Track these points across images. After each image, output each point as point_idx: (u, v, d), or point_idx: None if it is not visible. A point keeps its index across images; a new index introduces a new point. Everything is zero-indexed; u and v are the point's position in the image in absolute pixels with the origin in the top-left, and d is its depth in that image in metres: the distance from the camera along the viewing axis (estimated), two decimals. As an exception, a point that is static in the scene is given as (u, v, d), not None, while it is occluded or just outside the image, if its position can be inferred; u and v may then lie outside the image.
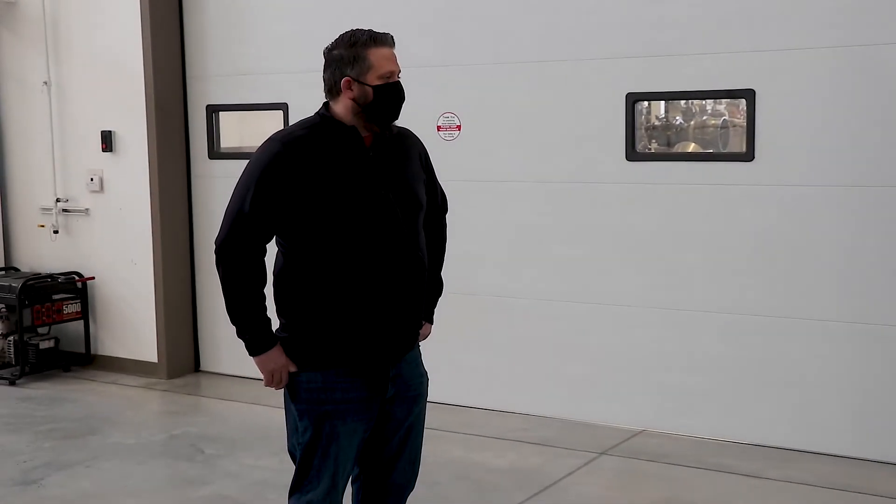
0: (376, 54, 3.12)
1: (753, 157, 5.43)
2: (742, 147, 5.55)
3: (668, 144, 6.10)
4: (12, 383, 7.17)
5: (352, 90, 3.12)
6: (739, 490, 4.99)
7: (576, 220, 5.96)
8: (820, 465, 5.25)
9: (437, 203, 3.49)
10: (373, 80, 3.11)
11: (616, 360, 5.92)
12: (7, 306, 7.37)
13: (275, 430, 5.60)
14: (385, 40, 3.15)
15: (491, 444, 5.71)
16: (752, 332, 5.53)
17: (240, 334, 3.19)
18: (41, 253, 7.74)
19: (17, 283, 7.20)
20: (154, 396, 6.97)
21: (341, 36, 3.18)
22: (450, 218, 3.60)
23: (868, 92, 5.15)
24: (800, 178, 5.35)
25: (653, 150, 5.97)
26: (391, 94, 3.15)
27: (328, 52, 3.19)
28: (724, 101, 5.85)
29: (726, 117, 5.99)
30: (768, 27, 5.36)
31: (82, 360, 7.56)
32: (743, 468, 5.23)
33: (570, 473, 5.22)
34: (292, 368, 3.18)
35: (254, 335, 3.16)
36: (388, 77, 3.13)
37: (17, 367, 7.28)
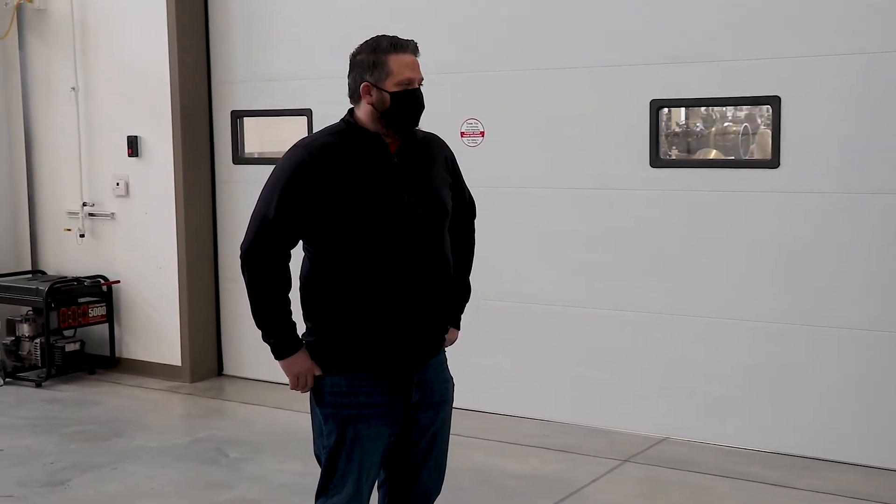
0: (396, 61, 3.12)
1: (779, 164, 5.41)
2: (766, 154, 5.54)
3: (689, 151, 6.10)
4: (38, 385, 7.24)
5: (370, 95, 3.13)
6: (765, 499, 4.96)
7: (599, 226, 5.96)
8: (845, 475, 5.22)
9: (465, 207, 3.49)
10: (391, 86, 3.12)
11: (638, 366, 5.91)
12: (34, 309, 7.44)
13: (298, 435, 5.62)
14: (407, 47, 3.15)
15: (513, 450, 5.71)
16: (775, 339, 5.51)
17: (265, 338, 3.21)
18: (67, 256, 7.81)
19: (43, 287, 7.27)
20: (178, 400, 7.02)
21: (366, 41, 3.20)
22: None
23: (894, 98, 5.12)
24: (825, 185, 5.32)
25: (673, 157, 5.95)
26: (408, 102, 3.15)
27: (353, 57, 3.21)
28: (745, 107, 5.84)
29: (747, 124, 5.98)
30: (794, 33, 5.34)
31: (107, 363, 7.62)
32: (768, 477, 5.21)
33: (593, 481, 5.21)
34: (317, 372, 3.20)
35: (279, 339, 3.18)
36: (407, 84, 3.13)
37: (44, 370, 7.34)
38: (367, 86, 3.13)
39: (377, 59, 3.12)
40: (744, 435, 5.62)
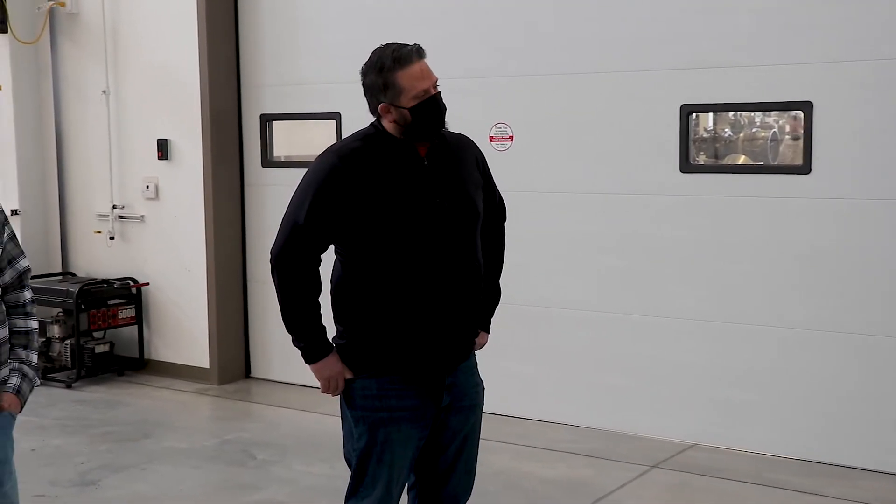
0: (405, 76, 3.08)
1: (811, 170, 5.37)
2: (797, 159, 5.50)
3: (717, 157, 6.06)
4: (69, 386, 7.29)
5: (391, 114, 3.13)
6: (795, 506, 4.94)
7: (628, 231, 5.94)
8: (877, 482, 5.18)
9: (495, 208, 3.48)
10: (407, 102, 3.10)
11: (667, 372, 5.88)
12: (64, 311, 7.50)
13: (326, 437, 5.64)
14: (410, 59, 3.09)
15: (541, 454, 5.70)
16: (804, 345, 5.47)
17: (296, 342, 3.22)
18: (97, 259, 7.87)
19: (74, 288, 7.33)
20: (206, 402, 7.05)
21: (370, 58, 3.15)
22: (501, 228, 3.60)
23: (928, 104, 5.08)
24: (857, 191, 5.28)
25: (702, 163, 5.92)
26: (429, 110, 3.13)
27: (363, 77, 3.17)
28: (773, 113, 5.80)
29: (776, 129, 5.94)
30: (825, 38, 5.30)
31: (136, 365, 7.67)
32: (798, 484, 5.17)
33: (621, 486, 5.19)
34: (348, 375, 3.21)
35: (309, 343, 3.19)
36: (423, 95, 3.10)
37: (74, 371, 7.40)
38: (385, 106, 3.13)
39: (386, 80, 3.09)
40: (773, 441, 5.58)
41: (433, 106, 3.13)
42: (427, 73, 3.13)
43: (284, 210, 3.21)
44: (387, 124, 3.17)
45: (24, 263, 3.19)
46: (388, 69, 3.09)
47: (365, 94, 3.19)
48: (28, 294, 3.21)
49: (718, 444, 5.73)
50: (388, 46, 3.14)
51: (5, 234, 3.09)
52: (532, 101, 6.20)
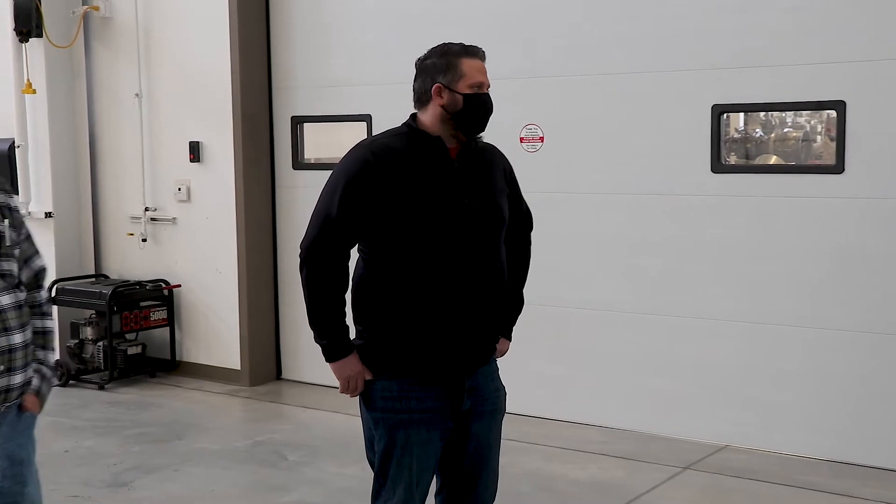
0: (468, 64, 3.17)
1: (843, 170, 5.32)
2: (830, 159, 5.45)
3: (748, 157, 6.02)
4: (101, 388, 7.35)
5: (442, 97, 3.15)
6: (828, 509, 4.89)
7: (660, 232, 5.91)
8: (912, 486, 5.12)
9: (522, 218, 3.48)
10: (463, 88, 3.15)
11: (699, 373, 5.84)
12: (97, 312, 7.57)
13: (357, 439, 5.59)
14: (477, 53, 3.21)
15: (572, 456, 5.68)
16: (838, 346, 5.41)
17: (318, 339, 3.21)
18: (130, 261, 7.93)
19: (106, 290, 7.39)
20: (237, 403, 7.09)
21: (434, 47, 3.24)
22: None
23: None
24: (890, 191, 5.23)
25: (733, 163, 5.88)
26: (480, 104, 3.18)
27: (420, 63, 3.23)
28: (804, 113, 5.75)
29: (808, 129, 5.89)
30: (858, 37, 5.25)
31: (168, 367, 7.72)
32: (832, 486, 5.12)
33: (653, 488, 5.16)
34: (368, 376, 3.20)
35: (332, 340, 3.18)
36: (478, 88, 3.17)
37: (106, 372, 7.46)
38: (440, 87, 3.15)
39: (449, 62, 3.16)
40: (806, 443, 5.53)
41: (484, 101, 3.20)
42: (486, 73, 3.23)
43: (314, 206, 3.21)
44: (430, 113, 3.18)
45: (39, 263, 3.21)
46: (454, 53, 3.18)
47: (416, 80, 3.23)
48: (44, 294, 3.25)
49: (751, 446, 5.68)
50: (453, 42, 3.24)
51: (22, 234, 3.11)
52: (562, 103, 6.19)
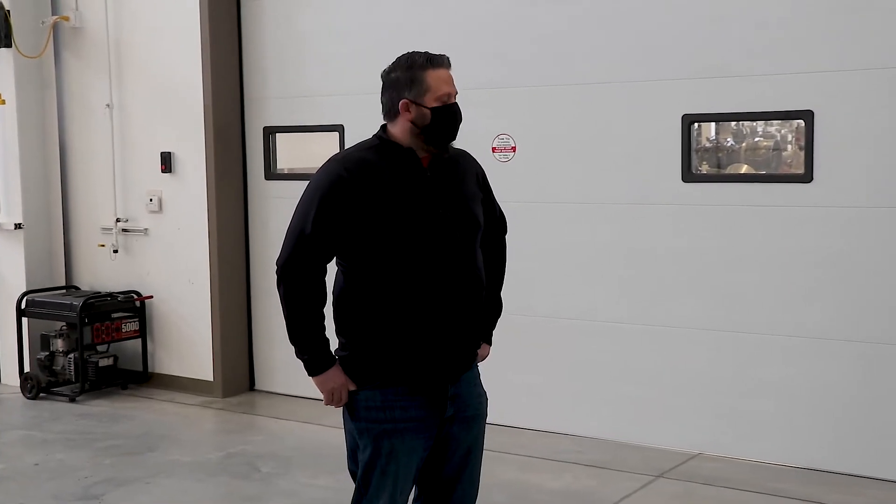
0: (433, 76, 3.16)
1: (812, 179, 5.38)
2: (799, 168, 5.51)
3: (719, 166, 6.07)
4: (72, 400, 7.29)
5: (410, 112, 3.16)
6: (799, 515, 4.93)
7: (631, 241, 5.94)
8: (881, 491, 5.17)
9: (496, 223, 3.51)
10: (430, 101, 3.15)
11: (672, 382, 5.88)
12: (68, 324, 7.51)
13: (330, 450, 5.65)
14: (442, 62, 3.20)
15: (546, 465, 5.69)
16: (809, 354, 5.46)
17: (299, 354, 3.22)
18: (101, 272, 7.88)
19: (77, 302, 7.33)
20: (210, 415, 7.05)
21: (398, 59, 3.22)
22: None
23: (930, 113, 5.09)
24: (859, 200, 5.29)
25: (704, 172, 5.94)
26: (449, 116, 3.19)
27: (386, 75, 3.23)
28: (775, 122, 5.81)
29: (778, 139, 5.95)
30: (826, 48, 5.32)
31: (140, 378, 7.67)
32: (804, 493, 5.16)
33: (626, 496, 5.18)
34: (351, 387, 3.21)
35: (313, 355, 3.19)
36: (446, 99, 3.17)
37: (77, 385, 7.39)
38: (407, 102, 3.15)
39: (414, 76, 3.15)
40: (779, 451, 5.57)
41: (453, 113, 3.20)
42: (452, 82, 3.21)
43: (288, 221, 3.21)
44: (399, 127, 3.19)
45: None
46: (419, 66, 3.16)
47: (383, 95, 3.23)
48: None
49: (723, 454, 5.72)
50: (418, 51, 3.21)
51: None
52: (534, 113, 6.22)
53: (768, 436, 5.61)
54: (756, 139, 6.04)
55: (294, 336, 3.20)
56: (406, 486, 3.25)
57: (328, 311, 3.21)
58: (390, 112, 3.21)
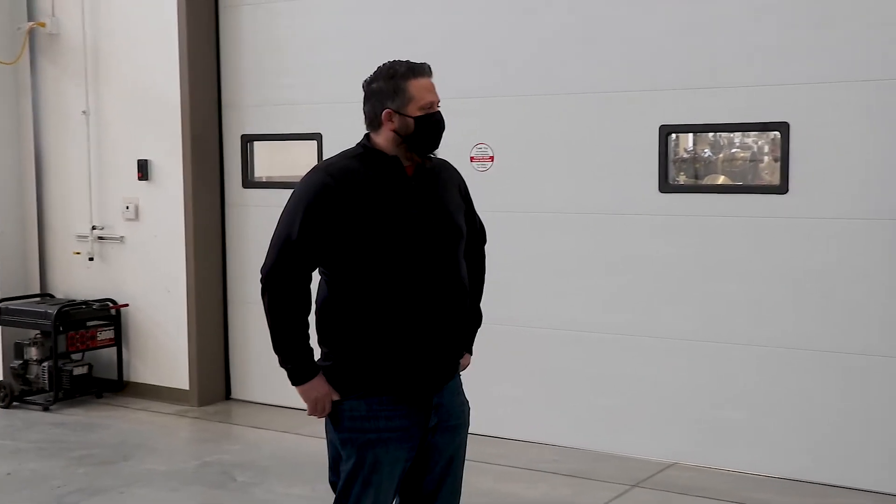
0: (416, 86, 3.16)
1: (787, 190, 5.42)
2: (775, 179, 5.55)
3: (696, 177, 6.11)
4: (46, 409, 7.23)
5: (393, 122, 3.16)
6: (774, 525, 4.94)
7: (608, 251, 5.96)
8: (856, 500, 5.20)
9: (476, 234, 3.52)
10: (413, 111, 3.15)
11: (649, 392, 5.89)
12: (42, 332, 7.44)
13: (307, 459, 5.62)
14: (423, 71, 3.20)
15: (522, 475, 5.69)
16: (785, 364, 5.49)
17: (283, 363, 3.20)
18: (76, 280, 7.83)
19: (52, 310, 7.28)
20: (186, 424, 7.01)
21: (379, 69, 3.22)
22: (482, 248, 3.61)
23: (904, 125, 5.14)
24: (835, 211, 5.33)
25: (682, 183, 5.97)
26: (432, 125, 3.19)
27: (367, 86, 3.23)
28: (752, 133, 5.85)
29: (755, 150, 5.99)
30: (803, 60, 5.36)
31: (115, 387, 7.61)
32: (779, 503, 5.18)
33: (602, 506, 5.20)
34: (335, 397, 3.20)
35: (297, 364, 3.18)
36: (429, 108, 3.18)
37: (51, 393, 7.33)
38: (390, 112, 3.15)
39: (397, 86, 3.15)
40: (754, 461, 5.60)
41: (436, 121, 3.20)
42: (434, 90, 3.22)
43: (272, 230, 3.20)
44: (382, 136, 3.19)
45: None
46: (400, 76, 3.15)
47: (365, 105, 3.22)
48: None
49: (700, 463, 5.74)
50: (399, 60, 3.21)
51: None
52: (512, 122, 6.24)
53: (744, 445, 5.63)
54: (733, 150, 6.08)
55: (278, 345, 3.19)
56: (388, 496, 3.24)
57: (311, 320, 3.20)
58: (373, 122, 3.21)
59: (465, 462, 3.45)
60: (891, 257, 5.21)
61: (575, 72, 6.00)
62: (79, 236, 7.77)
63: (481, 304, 3.59)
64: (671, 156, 5.86)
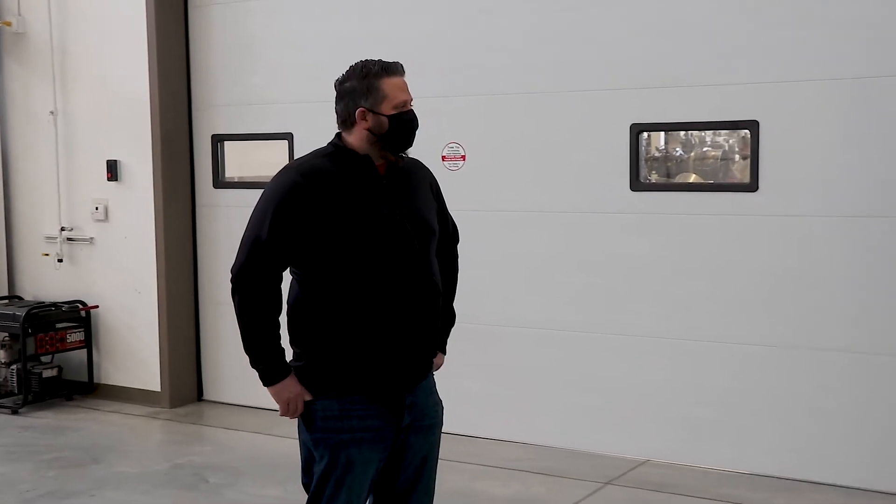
0: (389, 84, 3.16)
1: (758, 188, 5.46)
2: (745, 177, 5.59)
3: (668, 175, 6.14)
4: (15, 412, 7.16)
5: (367, 120, 3.15)
6: (746, 521, 4.98)
7: (580, 249, 5.98)
8: (827, 496, 5.24)
9: (449, 232, 3.52)
10: (387, 109, 3.15)
11: (621, 390, 5.92)
12: (10, 335, 7.37)
13: (279, 459, 5.60)
14: (396, 70, 3.20)
15: (495, 473, 5.70)
16: (759, 361, 5.53)
17: (254, 364, 3.19)
18: (45, 281, 7.75)
19: (20, 312, 7.21)
20: (157, 425, 6.96)
21: (352, 67, 3.22)
22: (454, 247, 3.61)
23: (872, 122, 5.19)
24: (804, 209, 5.37)
25: (653, 181, 6.00)
26: (406, 123, 3.19)
27: (340, 85, 3.22)
28: (723, 132, 5.89)
29: (726, 148, 6.03)
30: (772, 59, 5.40)
31: (85, 389, 7.55)
32: (749, 498, 5.22)
33: (574, 503, 5.20)
34: (307, 397, 3.18)
35: (268, 365, 3.16)
36: (402, 106, 3.18)
37: (20, 396, 7.27)
38: (363, 111, 3.15)
39: (370, 85, 3.14)
40: (728, 458, 5.63)
41: (410, 120, 3.20)
42: (407, 89, 3.21)
43: (243, 230, 3.18)
44: (355, 135, 3.18)
45: None
46: (374, 75, 3.15)
47: (338, 104, 3.21)
48: None
49: (671, 461, 5.77)
50: (372, 59, 3.20)
51: None
52: (484, 121, 6.24)
53: (716, 442, 5.66)
54: (704, 149, 6.11)
55: (249, 345, 3.17)
56: (361, 496, 3.23)
57: (282, 320, 3.19)
58: (346, 121, 3.20)
59: (439, 461, 3.45)
60: (861, 254, 5.26)
61: (546, 71, 6.01)
62: (47, 237, 7.70)
63: (454, 303, 3.59)
64: (643, 154, 5.88)
